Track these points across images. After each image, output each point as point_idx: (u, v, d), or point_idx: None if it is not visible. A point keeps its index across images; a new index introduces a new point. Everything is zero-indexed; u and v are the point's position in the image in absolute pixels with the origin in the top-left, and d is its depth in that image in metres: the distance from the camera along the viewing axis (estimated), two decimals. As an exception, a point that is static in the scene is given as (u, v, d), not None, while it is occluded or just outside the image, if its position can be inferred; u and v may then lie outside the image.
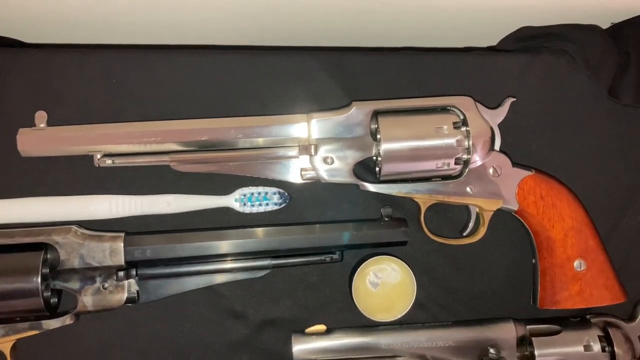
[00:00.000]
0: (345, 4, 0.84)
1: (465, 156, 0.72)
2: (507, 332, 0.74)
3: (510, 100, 0.76)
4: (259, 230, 0.72)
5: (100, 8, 0.82)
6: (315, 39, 0.90)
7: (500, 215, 0.76)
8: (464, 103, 0.73)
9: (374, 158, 0.74)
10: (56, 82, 0.76)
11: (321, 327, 0.74)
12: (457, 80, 0.81)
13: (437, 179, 0.74)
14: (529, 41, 0.87)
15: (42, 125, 0.71)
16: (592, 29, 0.86)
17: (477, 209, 0.77)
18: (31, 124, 0.71)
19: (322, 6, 0.84)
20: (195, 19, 0.85)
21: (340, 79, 0.80)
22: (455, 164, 0.72)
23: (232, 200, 0.75)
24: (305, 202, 0.78)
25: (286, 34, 0.90)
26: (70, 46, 0.79)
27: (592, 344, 0.73)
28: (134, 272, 0.70)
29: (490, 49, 0.88)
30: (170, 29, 0.87)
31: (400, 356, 0.74)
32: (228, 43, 0.83)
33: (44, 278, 0.66)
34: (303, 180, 0.74)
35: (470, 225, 0.77)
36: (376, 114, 0.72)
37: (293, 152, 0.73)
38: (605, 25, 0.88)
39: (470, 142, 0.72)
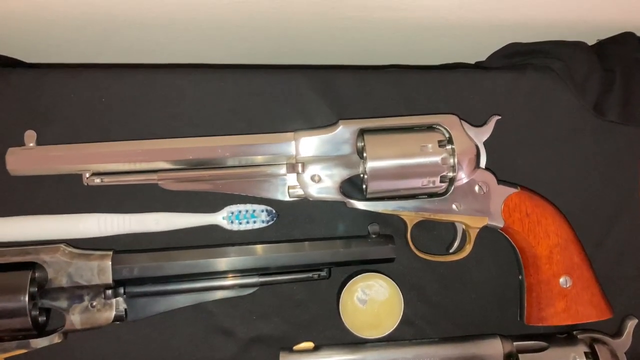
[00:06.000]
0: (334, 23, 0.85)
1: (450, 174, 0.72)
2: (494, 348, 0.74)
3: (496, 118, 0.77)
4: (247, 248, 0.72)
5: (90, 28, 0.83)
6: (304, 58, 0.91)
7: (487, 232, 0.77)
8: (449, 121, 0.74)
9: (361, 176, 0.75)
10: (45, 102, 0.77)
11: (309, 345, 0.74)
12: (443, 98, 0.82)
13: (423, 197, 0.74)
14: (515, 57, 0.88)
15: (31, 145, 0.71)
16: (578, 45, 0.86)
17: (464, 226, 0.77)
18: (20, 143, 0.71)
19: (310, 26, 0.85)
20: (185, 39, 0.86)
21: (328, 98, 0.80)
22: (441, 181, 0.72)
23: (220, 218, 0.76)
24: (293, 219, 0.78)
25: (274, 53, 0.91)
26: (59, 65, 0.80)
27: (578, 360, 0.73)
28: (122, 290, 0.70)
29: (476, 65, 0.89)
30: (159, 48, 0.88)
31: (388, 373, 0.74)
32: (217, 62, 0.83)
33: (32, 297, 0.67)
34: (291, 198, 0.75)
35: (457, 242, 0.78)
36: (362, 132, 0.73)
37: (281, 170, 0.74)
38: (591, 41, 0.89)
39: (456, 160, 0.72)
